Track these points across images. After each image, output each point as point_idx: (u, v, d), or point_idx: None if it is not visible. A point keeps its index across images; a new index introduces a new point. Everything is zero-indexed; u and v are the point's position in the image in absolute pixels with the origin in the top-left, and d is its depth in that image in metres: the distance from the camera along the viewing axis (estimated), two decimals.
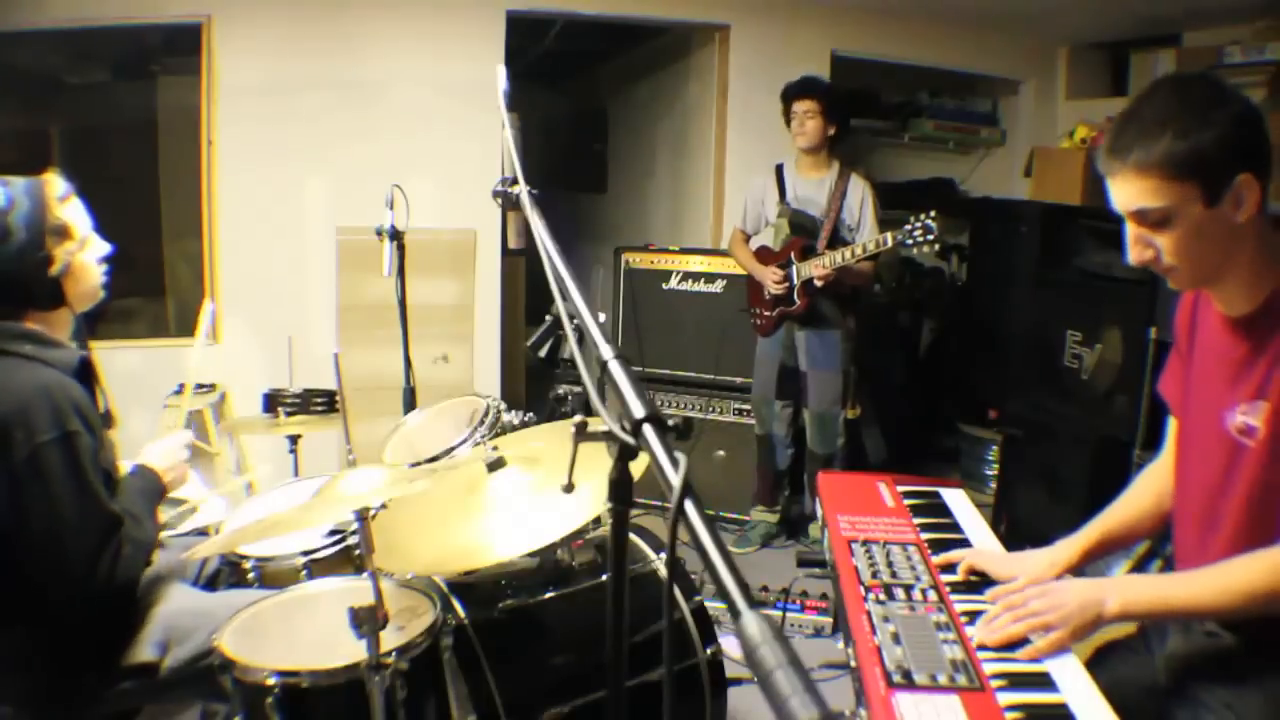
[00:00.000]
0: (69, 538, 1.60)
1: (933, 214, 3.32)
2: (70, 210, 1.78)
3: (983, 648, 1.31)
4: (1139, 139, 1.25)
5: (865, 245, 3.45)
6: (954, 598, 1.48)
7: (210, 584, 2.12)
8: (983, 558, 1.58)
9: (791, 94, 3.70)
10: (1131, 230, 1.32)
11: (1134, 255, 1.33)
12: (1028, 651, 1.28)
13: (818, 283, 3.57)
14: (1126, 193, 1.28)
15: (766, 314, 3.84)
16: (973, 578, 1.56)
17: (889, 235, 3.37)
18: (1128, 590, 1.32)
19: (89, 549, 1.61)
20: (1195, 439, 1.46)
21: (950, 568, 1.58)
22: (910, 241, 3.34)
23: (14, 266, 1.68)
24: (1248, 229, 1.27)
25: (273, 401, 3.64)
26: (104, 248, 1.86)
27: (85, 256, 1.80)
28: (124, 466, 1.92)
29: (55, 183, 1.77)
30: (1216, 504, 1.39)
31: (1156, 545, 2.88)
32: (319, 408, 3.65)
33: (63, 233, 1.74)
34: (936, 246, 3.38)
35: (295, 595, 1.88)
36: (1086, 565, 1.60)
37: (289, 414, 3.57)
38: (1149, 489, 1.62)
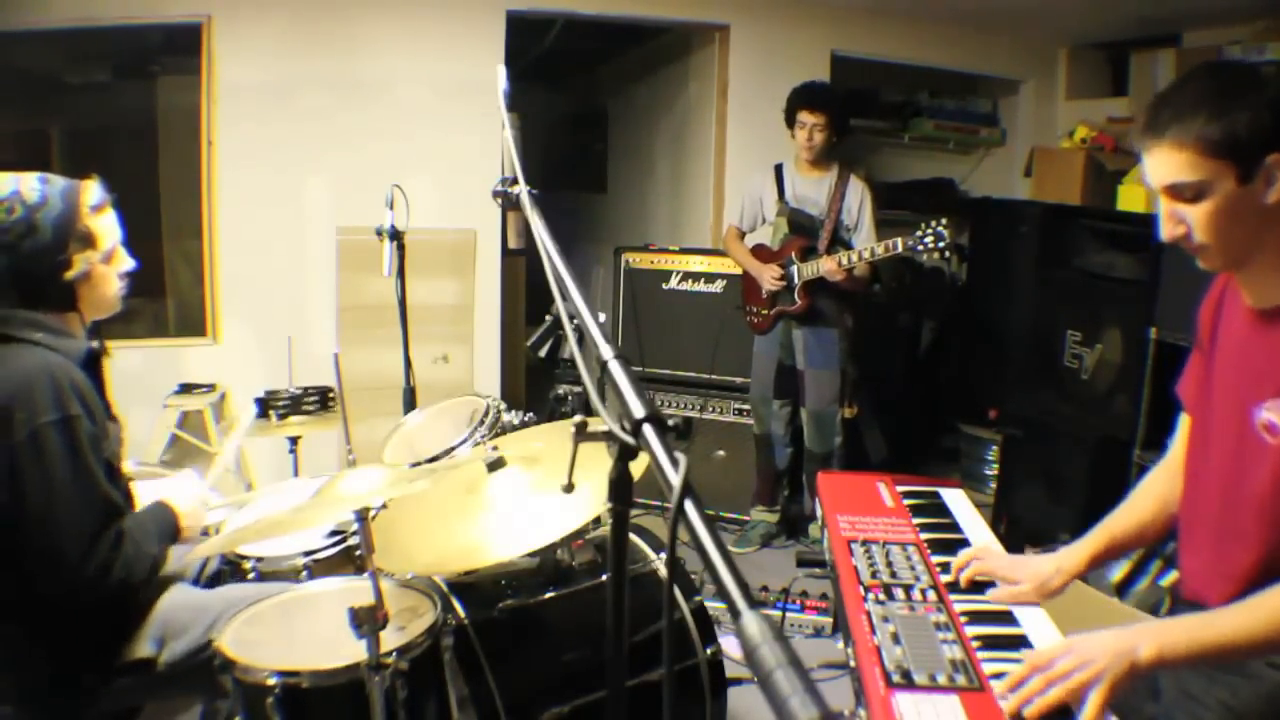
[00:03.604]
0: (66, 520, 1.60)
1: (944, 221, 3.29)
2: (101, 220, 1.78)
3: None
4: (1175, 117, 1.27)
5: (874, 249, 3.43)
6: (953, 598, 1.48)
7: (211, 584, 2.12)
8: (988, 561, 1.57)
9: (800, 104, 3.65)
10: (1165, 206, 1.34)
11: (1166, 231, 1.35)
12: None
13: (835, 278, 3.54)
14: (1162, 167, 1.30)
15: (764, 312, 3.84)
16: (979, 578, 1.55)
17: (899, 240, 3.35)
18: (1162, 635, 1.25)
19: (86, 533, 1.61)
20: (1215, 437, 1.44)
21: (948, 570, 1.58)
22: (920, 248, 3.31)
23: (32, 264, 1.69)
24: (1278, 213, 1.28)
25: (265, 405, 3.64)
26: (128, 263, 1.86)
27: (107, 268, 1.80)
28: (128, 468, 1.91)
29: (92, 190, 1.78)
30: (1234, 503, 1.37)
31: (1156, 545, 2.88)
32: (311, 407, 3.65)
33: (87, 240, 1.74)
34: (948, 255, 3.36)
35: (295, 595, 1.88)
36: (1091, 571, 1.59)
37: (281, 416, 3.58)
38: (1153, 494, 1.61)
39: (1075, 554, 1.57)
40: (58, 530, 1.60)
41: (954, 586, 1.53)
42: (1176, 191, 1.30)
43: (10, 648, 1.70)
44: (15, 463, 1.58)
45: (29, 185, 1.70)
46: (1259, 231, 1.30)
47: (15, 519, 1.60)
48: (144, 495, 1.94)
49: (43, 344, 1.67)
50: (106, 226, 1.80)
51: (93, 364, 1.76)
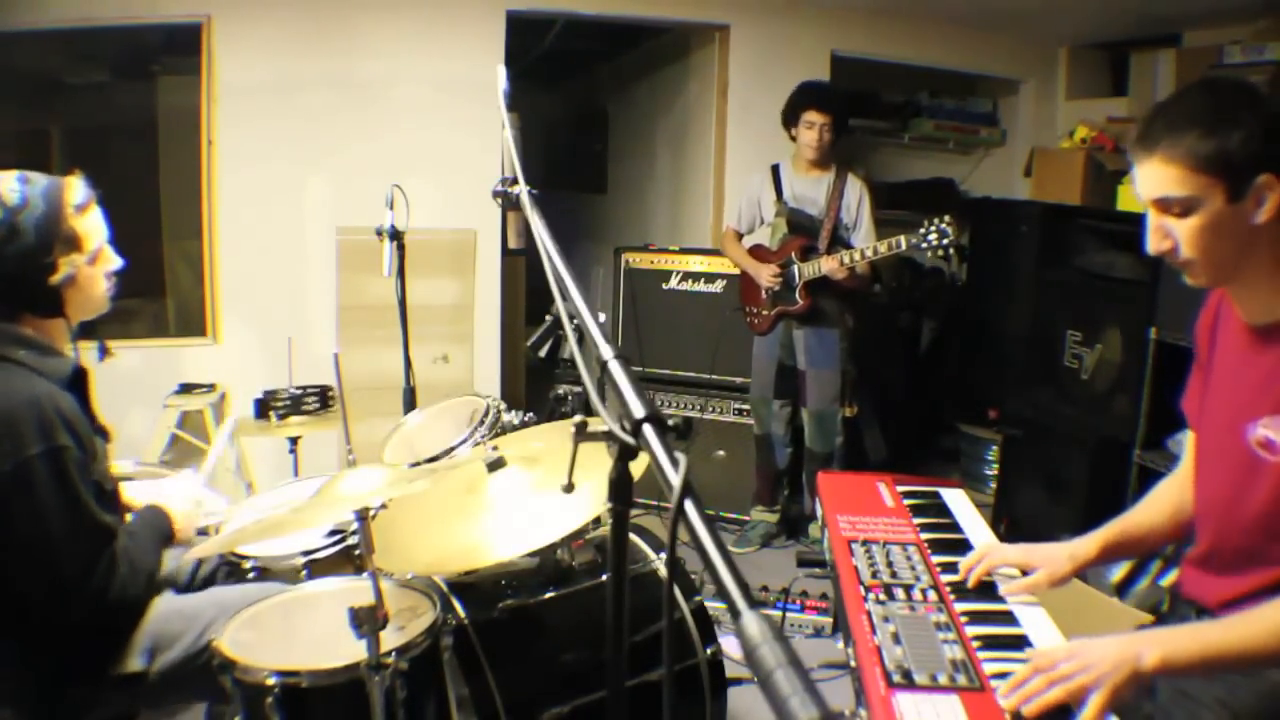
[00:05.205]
0: (60, 550, 1.57)
1: (948, 218, 3.27)
2: (87, 220, 1.71)
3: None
4: (1168, 131, 1.27)
5: (877, 247, 3.42)
6: (954, 598, 1.48)
7: (205, 587, 2.11)
8: (999, 554, 1.57)
9: (806, 103, 3.63)
10: (1153, 219, 1.33)
11: (1153, 244, 1.34)
12: None
13: (838, 276, 3.53)
14: (1151, 180, 1.30)
15: (764, 313, 3.84)
16: (991, 574, 1.56)
17: (903, 238, 3.33)
18: (1167, 642, 1.23)
19: (81, 561, 1.59)
20: (1212, 453, 1.44)
21: (954, 568, 1.58)
22: (924, 245, 3.30)
23: (15, 269, 1.62)
24: (1267, 232, 1.27)
25: (264, 406, 3.64)
26: (115, 262, 1.79)
27: (93, 269, 1.73)
28: (116, 467, 1.89)
29: (76, 188, 1.70)
30: (1232, 520, 1.37)
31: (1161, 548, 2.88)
32: (311, 407, 3.65)
33: (72, 242, 1.67)
34: (950, 253, 3.34)
35: (295, 595, 1.88)
36: (1102, 562, 1.59)
37: (280, 417, 3.58)
38: (1167, 499, 1.61)
39: (1087, 544, 1.57)
40: (51, 560, 1.57)
41: (960, 588, 1.52)
42: (1165, 205, 1.30)
43: (7, 662, 1.67)
44: (2, 495, 1.54)
45: (8, 186, 1.62)
46: (1246, 250, 1.30)
47: (4, 550, 1.56)
48: (141, 496, 1.92)
49: (26, 363, 1.61)
50: (92, 226, 1.72)
51: (78, 381, 1.70)
